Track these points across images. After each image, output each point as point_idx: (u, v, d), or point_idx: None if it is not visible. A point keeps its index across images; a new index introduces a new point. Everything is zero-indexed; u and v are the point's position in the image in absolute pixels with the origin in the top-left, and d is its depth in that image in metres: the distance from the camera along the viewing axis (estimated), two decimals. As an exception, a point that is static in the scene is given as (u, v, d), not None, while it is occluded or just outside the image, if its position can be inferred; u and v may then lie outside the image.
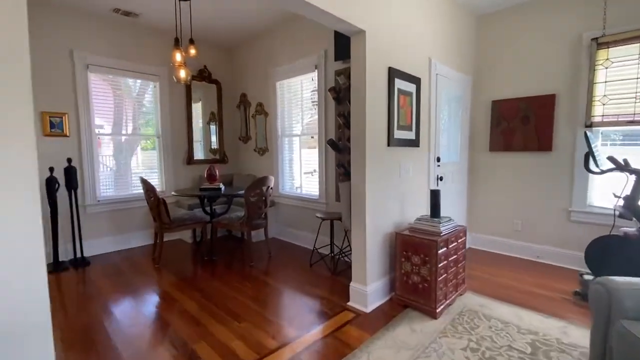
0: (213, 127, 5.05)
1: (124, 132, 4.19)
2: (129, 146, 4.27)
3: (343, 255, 3.58)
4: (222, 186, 3.92)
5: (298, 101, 4.16)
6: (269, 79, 4.51)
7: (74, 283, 3.11)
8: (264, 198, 3.60)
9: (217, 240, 4.51)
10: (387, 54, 2.55)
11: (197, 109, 4.88)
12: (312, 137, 4.00)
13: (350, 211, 2.64)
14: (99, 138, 3.99)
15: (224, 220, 3.66)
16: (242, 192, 3.67)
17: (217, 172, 3.93)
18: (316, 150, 3.97)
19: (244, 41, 4.82)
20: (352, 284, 2.60)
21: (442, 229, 2.43)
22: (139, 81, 4.28)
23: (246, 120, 5.02)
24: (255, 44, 4.71)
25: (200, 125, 4.93)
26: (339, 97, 3.50)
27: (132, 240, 4.26)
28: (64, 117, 3.69)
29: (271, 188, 3.69)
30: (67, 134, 3.73)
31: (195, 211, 4.31)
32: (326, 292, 2.84)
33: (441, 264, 2.37)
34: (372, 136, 2.45)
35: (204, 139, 4.99)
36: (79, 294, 2.87)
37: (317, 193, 4.00)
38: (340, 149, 3.55)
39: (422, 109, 3.03)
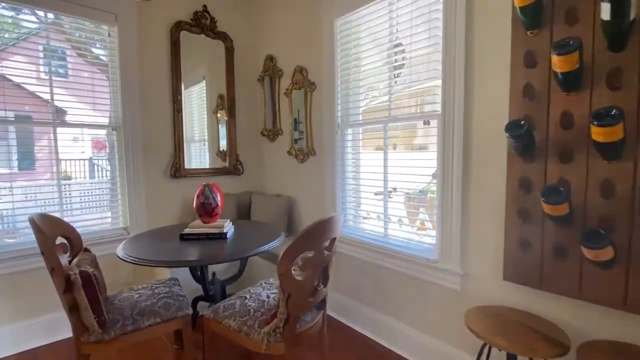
0: (223, 118, 3.02)
1: (46, 117, 2.20)
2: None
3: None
4: (227, 227, 1.85)
5: (382, 52, 2.04)
6: (319, 17, 2.42)
7: None
8: (324, 266, 1.49)
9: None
10: None
11: (200, 91, 2.89)
12: (427, 124, 1.82)
13: None
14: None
15: (226, 318, 1.53)
16: (269, 246, 1.58)
17: (218, 200, 1.85)
18: (425, 154, 1.82)
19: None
20: None
21: None
22: (74, 23, 2.29)
23: (274, 102, 2.95)
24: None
25: (205, 115, 2.92)
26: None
27: (61, 326, 2.21)
28: None
29: (336, 240, 1.57)
30: None
31: (179, 280, 2.24)
32: None
33: None
34: None
35: (210, 136, 2.97)
36: None
37: (433, 242, 1.84)
38: (534, 149, 1.36)
39: None
